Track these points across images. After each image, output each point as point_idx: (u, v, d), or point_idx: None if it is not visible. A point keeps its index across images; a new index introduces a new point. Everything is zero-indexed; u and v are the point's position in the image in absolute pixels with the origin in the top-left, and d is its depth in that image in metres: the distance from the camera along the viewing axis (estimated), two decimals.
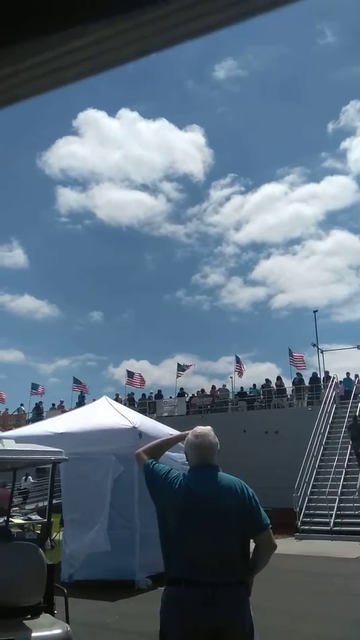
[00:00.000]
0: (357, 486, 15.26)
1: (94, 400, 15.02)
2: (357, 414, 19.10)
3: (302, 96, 65.44)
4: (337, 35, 62.13)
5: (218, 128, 66.49)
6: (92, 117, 62.08)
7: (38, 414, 29.23)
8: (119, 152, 62.77)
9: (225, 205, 64.21)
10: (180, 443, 2.96)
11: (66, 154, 61.13)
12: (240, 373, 27.79)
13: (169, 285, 66.51)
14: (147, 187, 68.69)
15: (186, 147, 64.05)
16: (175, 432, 3.23)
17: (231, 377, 28.25)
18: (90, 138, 61.83)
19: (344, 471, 16.71)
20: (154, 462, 2.77)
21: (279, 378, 26.63)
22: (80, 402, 27.79)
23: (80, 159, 63.48)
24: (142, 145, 62.62)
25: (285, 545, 12.75)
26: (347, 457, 17.34)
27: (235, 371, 27.70)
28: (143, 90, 70.39)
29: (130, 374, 31.01)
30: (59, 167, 65.14)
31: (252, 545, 2.58)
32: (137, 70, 67.93)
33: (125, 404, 18.71)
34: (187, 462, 2.76)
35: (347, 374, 23.59)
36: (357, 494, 15.04)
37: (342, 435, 18.52)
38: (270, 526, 2.55)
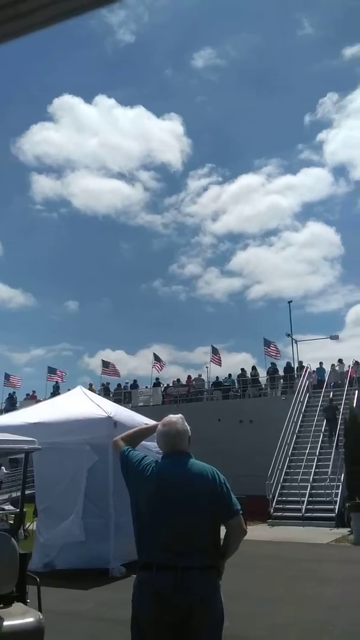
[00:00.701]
0: (329, 473, 15.60)
1: (69, 390, 14.92)
2: (331, 397, 19.90)
3: (279, 87, 65.51)
4: (315, 27, 62.29)
5: (196, 117, 66.14)
6: (67, 103, 60.90)
7: (11, 405, 28.92)
8: (96, 139, 61.84)
9: (203, 195, 64.11)
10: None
11: (41, 140, 59.82)
12: (219, 363, 27.95)
13: (145, 275, 66.24)
14: (124, 175, 68.03)
15: (164, 135, 63.52)
16: (151, 422, 3.25)
17: (207, 367, 28.44)
18: (66, 124, 60.66)
19: (315, 458, 17.05)
20: (129, 449, 2.79)
21: (254, 368, 26.93)
22: (55, 392, 27.58)
23: (56, 145, 62.21)
24: (119, 132, 61.82)
25: (258, 532, 12.99)
26: (319, 444, 17.70)
27: (211, 361, 27.87)
28: (120, 77, 69.42)
29: (105, 364, 30.88)
30: (34, 153, 64.10)
31: (224, 531, 2.61)
32: (114, 56, 66.90)
33: (100, 394, 18.64)
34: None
35: (320, 363, 24.02)
36: (328, 480, 15.37)
37: (314, 423, 18.87)
38: (241, 512, 2.59)
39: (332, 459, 16.36)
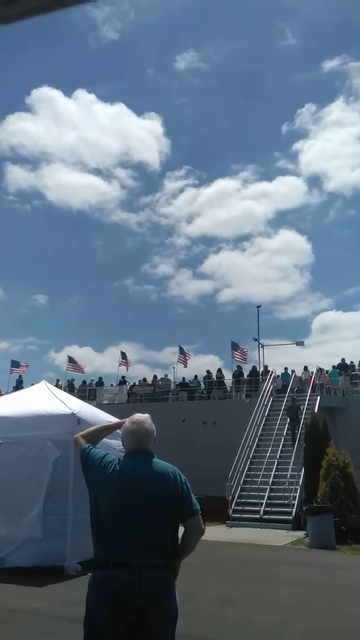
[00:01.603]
0: (288, 476, 15.86)
1: (32, 384, 14.68)
2: (294, 397, 20.51)
3: (259, 95, 66.38)
4: (297, 38, 63.38)
5: (176, 119, 66.29)
6: (46, 95, 60.11)
7: None
8: (74, 133, 61.22)
9: (179, 197, 64.34)
10: (118, 430, 2.96)
11: (17, 130, 58.99)
12: (185, 363, 28.02)
13: (117, 272, 65.93)
14: (100, 172, 67.52)
15: (143, 134, 63.42)
16: (114, 420, 3.23)
17: (173, 368, 28.49)
18: (44, 117, 59.88)
19: (276, 462, 17.31)
20: (90, 447, 2.77)
21: (219, 370, 27.15)
22: (18, 386, 27.09)
23: (32, 137, 61.45)
24: (98, 128, 61.33)
25: (216, 532, 13.09)
26: (280, 448, 17.98)
27: (178, 361, 27.93)
28: (101, 73, 68.87)
29: (71, 360, 30.54)
30: (9, 143, 62.81)
31: (182, 530, 2.62)
32: (97, 52, 66.26)
33: (64, 390, 18.42)
34: (123, 449, 2.77)
35: (285, 368, 24.42)
36: (287, 484, 15.63)
37: (276, 427, 19.17)
38: (200, 512, 2.61)
39: (291, 462, 16.65)
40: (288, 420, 19.06)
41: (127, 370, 29.80)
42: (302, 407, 19.63)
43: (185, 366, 27.88)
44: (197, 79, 68.08)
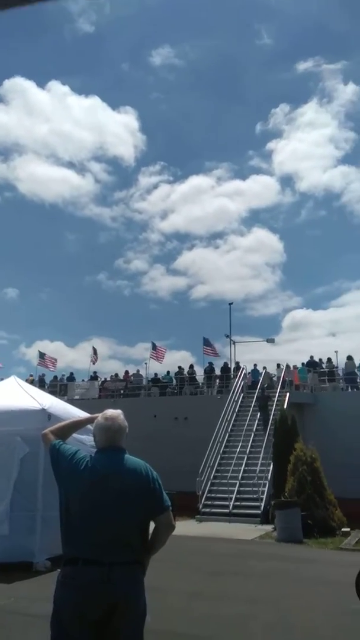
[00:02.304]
0: (257, 471, 16.09)
1: (2, 380, 14.42)
2: (265, 386, 21.19)
3: (234, 93, 66.63)
4: (273, 38, 63.82)
5: (151, 114, 65.96)
6: (19, 86, 58.92)
7: None
8: (47, 125, 60.18)
9: (153, 192, 64.12)
10: (89, 426, 2.95)
11: None
12: (161, 359, 28.00)
13: (90, 267, 65.30)
14: (74, 165, 66.61)
15: (118, 129, 62.85)
16: (86, 415, 3.21)
17: (146, 363, 28.45)
18: (16, 107, 58.70)
19: (246, 457, 17.54)
20: (60, 443, 2.75)
21: (191, 366, 27.26)
22: None
23: (4, 127, 59.99)
24: (72, 121, 60.48)
25: (186, 527, 13.19)
26: (250, 443, 18.22)
27: (150, 357, 27.89)
28: (76, 65, 67.90)
29: (41, 355, 30.15)
30: None
31: (152, 526, 2.64)
32: (71, 44, 65.25)
33: (35, 385, 18.19)
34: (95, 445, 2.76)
35: (255, 365, 24.73)
36: (256, 479, 15.85)
37: (247, 423, 19.41)
38: (171, 508, 2.64)
39: (261, 457, 16.89)
40: (259, 411, 19.61)
41: (93, 364, 29.60)
42: (272, 398, 20.19)
43: (161, 362, 27.89)
44: (172, 75, 67.90)
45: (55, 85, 66.96)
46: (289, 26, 64.12)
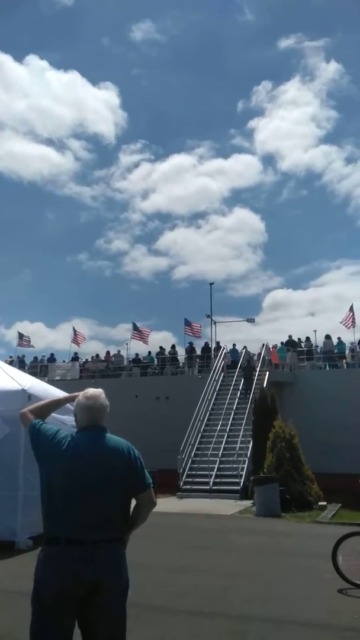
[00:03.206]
0: (237, 449, 16.37)
1: None
2: (249, 358, 21.85)
3: (216, 70, 65.57)
4: (255, 14, 62.70)
5: (132, 90, 64.63)
6: None
7: None
8: (25, 101, 58.55)
9: (134, 171, 63.23)
10: (69, 405, 2.93)
11: None
12: (146, 340, 27.92)
13: (70, 247, 64.53)
14: (53, 142, 65.14)
15: (98, 105, 61.52)
16: (65, 395, 3.19)
17: (127, 344, 28.41)
18: None
19: (226, 435, 17.81)
20: (40, 422, 2.73)
21: (173, 346, 27.35)
22: None
23: None
24: (51, 96, 58.87)
25: (167, 504, 13.39)
26: (230, 421, 18.49)
27: (131, 338, 27.84)
28: (54, 40, 65.85)
29: (20, 336, 29.87)
30: None
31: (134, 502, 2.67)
32: (49, 18, 63.05)
33: (15, 367, 18.05)
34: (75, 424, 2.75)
35: (234, 345, 24.90)
36: (236, 455, 16.13)
37: (227, 401, 19.65)
38: (152, 485, 2.67)
39: (240, 435, 17.17)
40: (242, 380, 20.44)
41: (79, 346, 29.44)
42: (256, 369, 20.84)
43: (146, 342, 27.84)
44: (153, 51, 66.45)
45: (33, 59, 65.08)
46: (271, 2, 63.09)
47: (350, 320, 23.78)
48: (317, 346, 24.84)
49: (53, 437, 2.61)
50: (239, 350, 24.05)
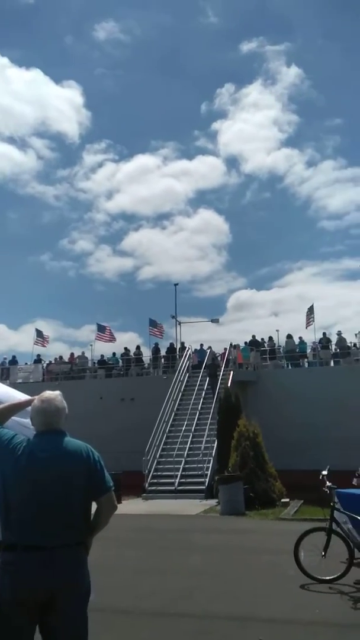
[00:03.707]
0: (202, 448, 16.45)
1: None
2: (215, 356, 22.27)
3: (180, 71, 65.77)
4: (219, 16, 63.27)
5: (96, 90, 64.02)
6: None
7: None
8: None
9: (98, 171, 62.64)
10: (29, 409, 2.87)
11: None
12: (112, 340, 27.69)
13: (33, 247, 63.32)
14: (14, 140, 63.78)
15: (62, 104, 60.69)
16: (26, 397, 3.11)
17: (91, 345, 28.10)
18: None
19: (191, 435, 17.88)
20: None
21: (138, 347, 27.24)
22: None
23: None
24: (12, 94, 57.62)
25: (132, 506, 13.36)
26: (195, 422, 18.57)
27: (96, 339, 27.56)
28: (16, 37, 64.47)
29: None
30: None
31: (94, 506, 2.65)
32: (10, 15, 61.74)
33: None
34: None
35: (201, 345, 25.02)
36: (201, 455, 16.22)
37: (192, 401, 19.73)
38: (113, 488, 2.64)
39: (205, 434, 17.27)
40: (207, 378, 20.67)
41: (45, 347, 28.90)
42: (220, 367, 21.18)
43: (114, 342, 27.66)
44: (117, 51, 65.96)
45: None
46: (233, 5, 63.84)
47: (310, 320, 24.29)
48: (279, 346, 25.27)
49: (8, 442, 2.56)
50: (206, 351, 24.20)
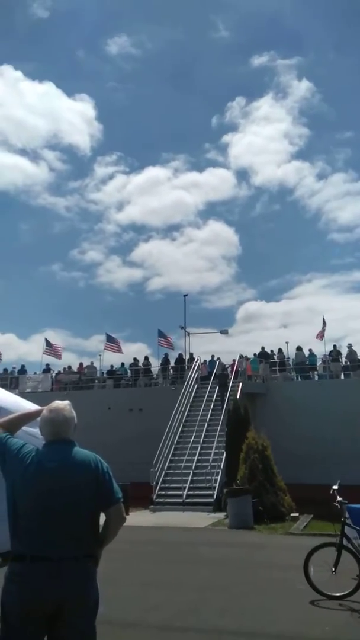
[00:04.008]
0: (210, 461, 16.34)
1: None
2: (225, 366, 22.45)
3: (191, 84, 66.43)
4: (230, 30, 64.01)
5: (108, 103, 64.84)
6: None
7: None
8: None
9: (109, 183, 63.17)
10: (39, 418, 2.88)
11: None
12: (119, 350, 27.75)
13: (44, 258, 63.79)
14: (27, 152, 64.69)
15: (74, 117, 61.48)
16: (36, 407, 3.12)
17: (100, 355, 28.15)
18: None
19: (199, 447, 17.77)
20: (8, 436, 2.68)
21: (146, 358, 27.24)
22: None
23: None
24: (25, 107, 58.58)
25: (140, 517, 13.26)
26: (204, 433, 18.47)
27: (105, 349, 27.61)
28: (29, 51, 65.69)
29: None
30: None
31: (103, 517, 2.63)
32: (23, 29, 63.05)
33: None
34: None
35: (212, 356, 24.97)
36: (209, 467, 16.10)
37: (200, 413, 19.64)
38: (122, 500, 2.63)
39: (214, 447, 17.16)
40: (217, 387, 20.83)
41: (60, 358, 28.94)
42: (230, 377, 21.29)
43: (122, 352, 27.73)
44: (129, 65, 66.90)
45: (7, 69, 64.47)
46: (245, 20, 64.56)
47: (321, 333, 24.17)
48: (289, 358, 25.13)
49: (18, 452, 2.56)
50: (215, 361, 24.15)
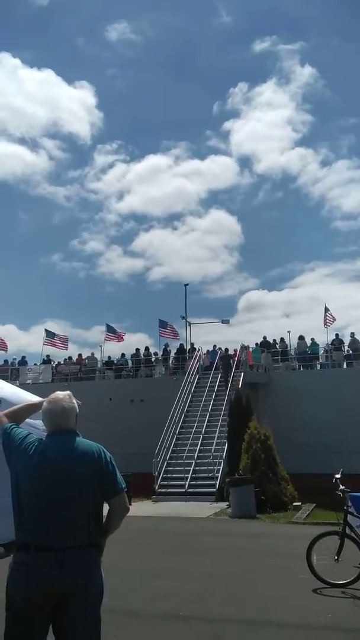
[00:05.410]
0: (212, 450, 16.38)
1: None
2: (226, 348, 22.89)
3: (192, 71, 65.80)
4: (231, 16, 63.24)
5: (108, 90, 64.27)
6: None
7: None
8: None
9: (109, 172, 62.82)
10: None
11: None
12: (120, 339, 27.75)
13: (44, 248, 63.63)
14: (26, 141, 64.21)
15: (74, 105, 60.98)
16: (38, 399, 3.13)
17: (101, 346, 28.15)
18: None
19: (201, 437, 17.81)
20: (13, 426, 2.69)
21: (147, 348, 27.24)
22: None
23: None
24: (23, 95, 58.12)
25: (142, 508, 13.32)
26: (205, 423, 18.50)
27: (106, 340, 27.60)
28: (28, 39, 65.02)
29: None
30: None
31: (107, 508, 2.61)
32: (23, 17, 62.31)
33: None
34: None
35: (214, 346, 24.96)
36: (211, 457, 16.14)
37: (202, 403, 19.67)
38: (126, 490, 2.61)
39: (216, 437, 17.20)
40: (221, 370, 21.09)
41: (67, 349, 28.86)
42: (234, 358, 21.63)
43: (122, 341, 27.76)
44: (129, 51, 66.19)
45: (5, 57, 63.94)
46: (246, 5, 63.79)
47: (331, 319, 23.91)
48: (291, 347, 25.09)
49: (21, 442, 2.56)
50: (217, 352, 24.14)
